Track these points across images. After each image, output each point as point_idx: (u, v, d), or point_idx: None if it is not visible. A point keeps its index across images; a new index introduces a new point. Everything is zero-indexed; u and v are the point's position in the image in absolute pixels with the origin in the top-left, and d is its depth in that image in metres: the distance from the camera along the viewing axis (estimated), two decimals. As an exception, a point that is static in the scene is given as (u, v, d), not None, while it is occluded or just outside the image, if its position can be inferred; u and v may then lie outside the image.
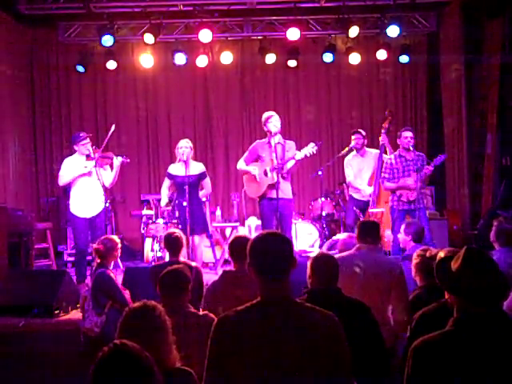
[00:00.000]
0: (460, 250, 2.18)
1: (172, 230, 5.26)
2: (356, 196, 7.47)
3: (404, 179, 6.73)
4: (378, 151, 7.46)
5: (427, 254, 4.02)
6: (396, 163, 6.81)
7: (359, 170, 7.48)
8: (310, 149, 6.29)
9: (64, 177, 6.55)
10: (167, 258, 5.87)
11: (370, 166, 7.46)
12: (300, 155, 6.31)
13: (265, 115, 6.53)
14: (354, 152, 7.57)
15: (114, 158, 6.56)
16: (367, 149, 7.59)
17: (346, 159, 7.62)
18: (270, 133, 6.40)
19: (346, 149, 7.72)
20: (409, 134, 6.80)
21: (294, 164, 6.42)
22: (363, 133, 7.57)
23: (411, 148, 6.73)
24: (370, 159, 7.49)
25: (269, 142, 6.44)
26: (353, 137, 7.54)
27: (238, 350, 2.11)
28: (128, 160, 6.68)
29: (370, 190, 7.29)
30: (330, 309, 2.24)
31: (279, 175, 6.25)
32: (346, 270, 3.86)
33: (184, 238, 4.94)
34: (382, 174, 6.90)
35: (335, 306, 2.24)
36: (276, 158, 6.27)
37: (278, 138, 6.49)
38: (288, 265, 2.20)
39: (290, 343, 2.09)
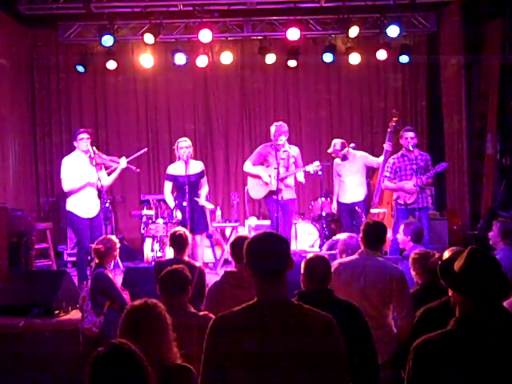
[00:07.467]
0: (464, 249, 2.19)
1: (178, 228, 5.26)
2: (342, 200, 7.54)
3: (403, 182, 6.74)
4: (362, 153, 7.63)
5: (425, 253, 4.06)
6: (399, 162, 6.86)
7: (346, 175, 7.52)
8: (315, 167, 6.70)
9: (69, 183, 6.42)
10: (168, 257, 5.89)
11: (357, 168, 7.52)
12: (302, 176, 6.85)
13: (272, 130, 6.87)
14: (338, 160, 7.59)
15: (121, 160, 6.62)
16: (351, 151, 7.56)
17: (334, 169, 7.68)
18: (279, 145, 6.77)
19: (346, 149, 7.68)
20: (410, 134, 6.84)
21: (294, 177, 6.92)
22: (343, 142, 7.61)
23: (411, 148, 6.74)
24: (356, 161, 7.53)
25: (275, 148, 6.75)
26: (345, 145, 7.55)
27: (234, 351, 2.11)
28: (138, 170, 7.06)
29: (359, 191, 7.40)
30: (320, 310, 2.22)
31: (282, 183, 6.73)
32: (347, 276, 3.86)
33: (190, 236, 4.95)
34: (384, 173, 6.98)
35: (324, 306, 2.23)
36: (284, 166, 6.75)
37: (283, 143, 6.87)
38: (285, 266, 2.19)
39: (287, 344, 2.08)
